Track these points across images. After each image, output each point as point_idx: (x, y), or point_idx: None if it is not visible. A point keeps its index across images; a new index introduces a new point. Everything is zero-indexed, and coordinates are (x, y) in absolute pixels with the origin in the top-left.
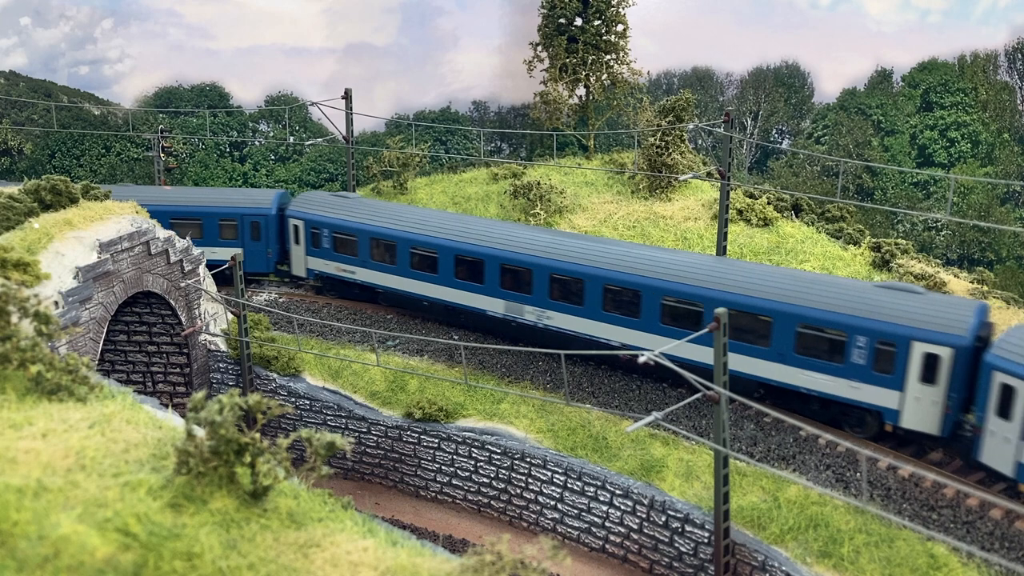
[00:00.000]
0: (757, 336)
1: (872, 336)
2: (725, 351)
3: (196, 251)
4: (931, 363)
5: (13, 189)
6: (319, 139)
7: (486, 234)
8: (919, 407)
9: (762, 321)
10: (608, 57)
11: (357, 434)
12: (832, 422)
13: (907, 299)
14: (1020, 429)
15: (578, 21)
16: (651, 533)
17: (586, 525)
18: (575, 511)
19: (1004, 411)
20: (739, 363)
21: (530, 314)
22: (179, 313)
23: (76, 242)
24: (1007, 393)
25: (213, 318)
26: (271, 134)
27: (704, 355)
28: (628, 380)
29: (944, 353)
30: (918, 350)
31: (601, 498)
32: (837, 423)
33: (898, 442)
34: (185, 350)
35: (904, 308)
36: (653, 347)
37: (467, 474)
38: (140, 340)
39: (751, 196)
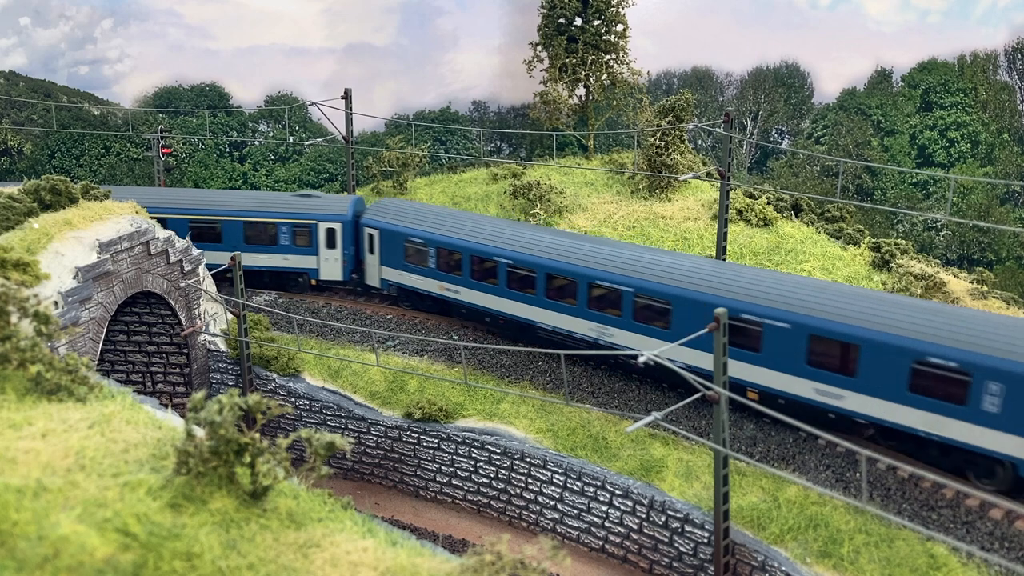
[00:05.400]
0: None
1: (292, 223)
2: (725, 351)
3: (196, 251)
4: (331, 234)
5: (13, 189)
6: (319, 139)
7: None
8: (328, 265)
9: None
10: (608, 57)
11: (357, 434)
12: (280, 286)
13: (313, 200)
14: (378, 258)
15: (578, 21)
16: (651, 533)
17: (586, 525)
18: (575, 511)
19: (371, 249)
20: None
21: None
22: (179, 313)
23: (76, 242)
24: (370, 238)
25: (213, 318)
26: (271, 134)
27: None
28: (628, 380)
29: (336, 226)
30: (322, 228)
31: (601, 498)
32: (284, 286)
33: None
34: (185, 350)
35: (309, 205)
36: None
37: (467, 474)
38: (140, 340)
39: (751, 196)
